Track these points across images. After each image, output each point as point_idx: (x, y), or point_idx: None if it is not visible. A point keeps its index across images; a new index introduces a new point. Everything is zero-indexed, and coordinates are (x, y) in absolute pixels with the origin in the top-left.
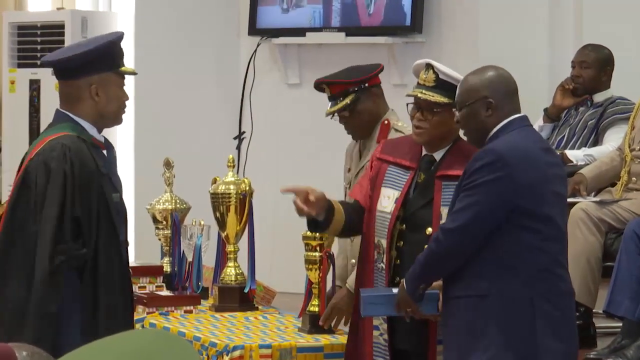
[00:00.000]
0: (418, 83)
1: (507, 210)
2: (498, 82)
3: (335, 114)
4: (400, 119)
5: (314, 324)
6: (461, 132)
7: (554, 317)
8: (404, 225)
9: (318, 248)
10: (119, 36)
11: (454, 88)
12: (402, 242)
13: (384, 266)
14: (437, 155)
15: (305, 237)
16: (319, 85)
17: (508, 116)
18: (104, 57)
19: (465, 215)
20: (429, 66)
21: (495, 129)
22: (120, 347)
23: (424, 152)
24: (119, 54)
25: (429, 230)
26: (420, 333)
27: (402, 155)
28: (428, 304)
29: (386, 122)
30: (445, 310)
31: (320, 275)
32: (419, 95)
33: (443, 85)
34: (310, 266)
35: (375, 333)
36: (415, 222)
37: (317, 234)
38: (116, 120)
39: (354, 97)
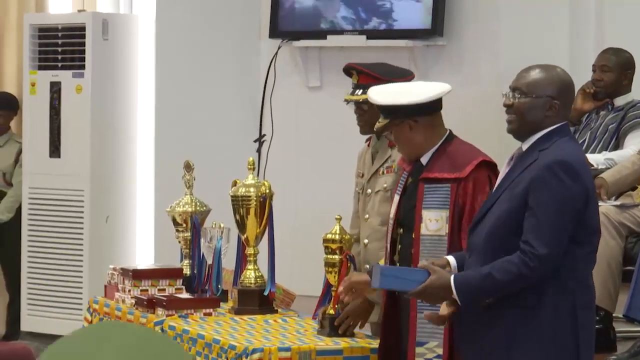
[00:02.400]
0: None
1: (575, 225)
2: (567, 87)
3: (352, 103)
4: None
5: (332, 327)
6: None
7: (591, 328)
8: (401, 229)
9: (338, 251)
10: None
11: (388, 109)
12: (400, 246)
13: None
14: (425, 159)
15: (325, 240)
16: (349, 70)
17: (561, 120)
18: None
19: (555, 239)
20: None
21: (546, 130)
22: (108, 338)
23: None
24: None
25: (414, 233)
26: (405, 330)
27: (407, 161)
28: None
29: None
30: (486, 321)
31: (339, 277)
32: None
33: (383, 111)
34: (330, 269)
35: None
36: (407, 225)
37: (338, 236)
38: None
39: None
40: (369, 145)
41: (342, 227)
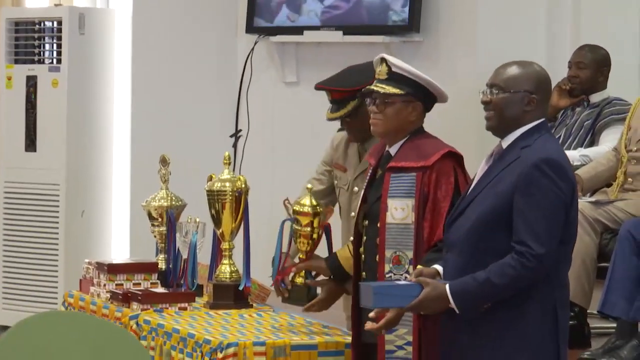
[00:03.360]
0: (374, 77)
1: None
2: (545, 82)
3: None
4: None
5: (300, 296)
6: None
7: (567, 326)
8: (366, 221)
9: (310, 224)
10: None
11: (408, 80)
12: (365, 238)
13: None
14: (393, 150)
15: (296, 212)
16: (321, 90)
17: (539, 117)
18: None
19: (550, 238)
20: (382, 60)
21: (526, 127)
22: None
23: (387, 149)
24: None
25: (379, 223)
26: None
27: (374, 155)
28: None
29: None
30: (469, 322)
31: (312, 248)
32: (373, 87)
33: (395, 78)
34: (302, 240)
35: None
36: (372, 216)
37: (309, 209)
38: None
39: (357, 102)
40: (349, 139)
41: (313, 199)
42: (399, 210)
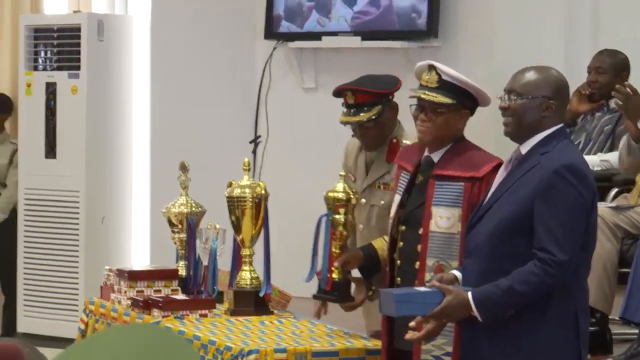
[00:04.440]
0: (420, 84)
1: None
2: (562, 87)
3: (352, 123)
4: (408, 132)
5: (342, 294)
6: (477, 127)
7: (587, 332)
8: (404, 227)
9: (343, 210)
10: None
11: (457, 89)
12: (402, 243)
13: (388, 269)
14: (436, 156)
15: (329, 198)
16: (341, 91)
17: (558, 122)
18: None
19: (572, 244)
20: (431, 67)
21: (545, 133)
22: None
23: (425, 154)
24: None
25: (421, 230)
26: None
27: (408, 159)
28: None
29: (395, 140)
30: (489, 330)
31: (345, 237)
32: (422, 96)
33: (446, 86)
34: (337, 229)
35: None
36: (411, 222)
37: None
38: None
39: (381, 108)
40: (361, 148)
41: (347, 185)
42: (444, 219)
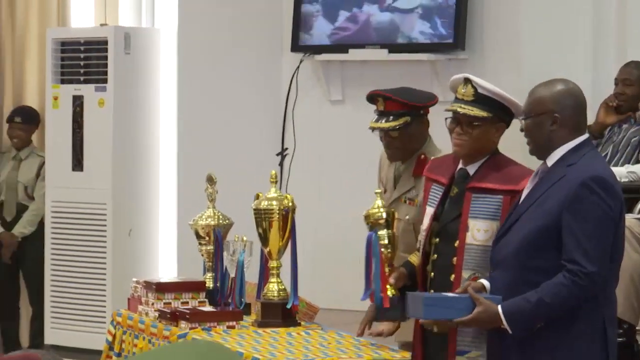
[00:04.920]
0: (456, 97)
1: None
2: (566, 97)
3: (378, 130)
4: (437, 148)
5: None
6: (507, 144)
7: (616, 344)
8: (438, 239)
9: (385, 225)
10: None
11: (493, 102)
12: (436, 256)
13: (419, 281)
14: (472, 169)
15: (368, 216)
16: (374, 97)
17: (574, 133)
18: None
19: (601, 256)
20: (467, 81)
21: (570, 145)
22: (171, 358)
23: (459, 166)
24: None
25: (457, 243)
26: (445, 341)
27: (441, 172)
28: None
29: (423, 156)
30: (517, 342)
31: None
32: (458, 109)
33: (482, 100)
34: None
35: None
36: (447, 235)
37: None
38: None
39: (408, 119)
40: (387, 157)
41: (383, 202)
42: (482, 231)
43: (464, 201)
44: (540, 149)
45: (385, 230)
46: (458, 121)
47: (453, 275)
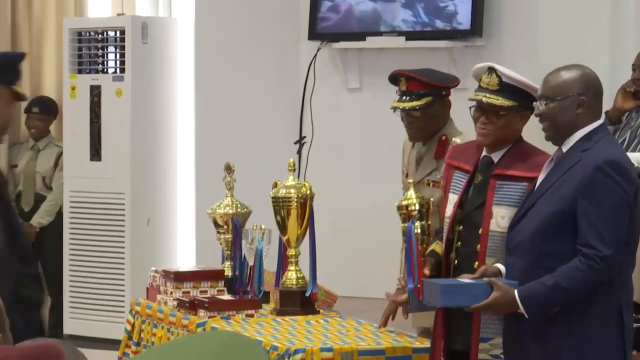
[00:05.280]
0: (480, 86)
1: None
2: (590, 81)
3: (399, 110)
4: (458, 130)
5: None
6: (525, 132)
7: (632, 328)
8: (461, 227)
9: (418, 216)
10: (20, 55)
11: (518, 91)
12: (459, 243)
13: (443, 269)
14: (496, 156)
15: (401, 207)
16: (396, 77)
17: (595, 118)
18: (2, 68)
19: (617, 239)
20: (491, 70)
21: (585, 130)
22: (192, 348)
23: (483, 154)
24: (16, 72)
25: (481, 230)
26: (468, 332)
27: (464, 159)
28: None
29: (444, 137)
30: (532, 327)
31: (426, 244)
32: (483, 99)
33: (507, 89)
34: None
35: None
36: (471, 222)
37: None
38: None
39: (431, 99)
40: (413, 144)
41: (418, 194)
42: (506, 219)
43: (489, 189)
44: (560, 134)
45: (419, 221)
46: (483, 110)
47: (477, 263)
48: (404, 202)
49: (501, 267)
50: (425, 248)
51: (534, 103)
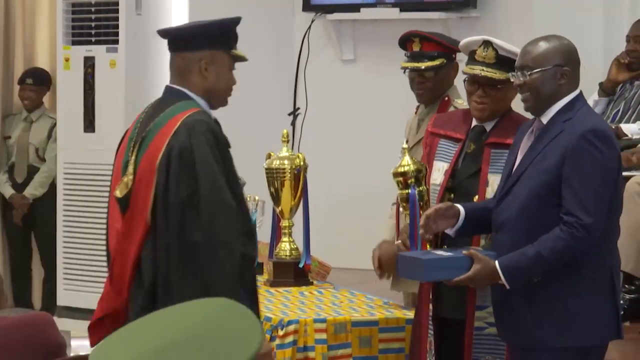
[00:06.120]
0: (475, 60)
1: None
2: (572, 52)
3: (412, 69)
4: (460, 96)
5: None
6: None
7: (620, 292)
8: (452, 195)
9: (415, 182)
10: (236, 19)
11: (513, 62)
12: None
13: (430, 237)
14: (488, 126)
15: (396, 174)
16: (410, 37)
17: (574, 88)
18: (218, 35)
19: (598, 208)
20: (487, 43)
21: (565, 101)
22: (184, 316)
23: (473, 123)
24: (233, 36)
25: (476, 198)
26: (463, 301)
27: (452, 128)
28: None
29: (446, 98)
30: (519, 296)
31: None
32: (481, 73)
33: (503, 61)
34: (406, 204)
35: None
36: (463, 191)
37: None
38: (222, 101)
39: (444, 61)
40: (416, 113)
41: (414, 159)
42: None
43: (483, 157)
44: (541, 105)
45: (419, 186)
46: (479, 84)
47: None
48: (400, 169)
49: (460, 207)
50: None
51: (511, 73)
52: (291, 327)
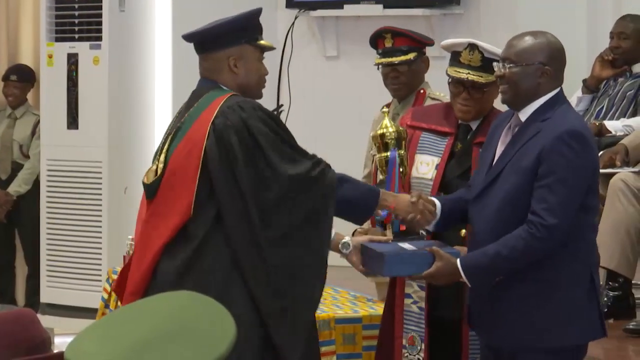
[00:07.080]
0: (460, 62)
1: (586, 193)
2: (556, 51)
3: (386, 65)
4: (435, 90)
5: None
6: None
7: (599, 291)
8: (442, 193)
9: (396, 144)
10: (257, 10)
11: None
12: None
13: (424, 233)
14: (473, 124)
15: (376, 137)
16: (382, 34)
17: (555, 87)
18: (241, 29)
19: (565, 210)
20: (473, 46)
21: (544, 99)
22: (153, 310)
23: (459, 121)
24: (257, 27)
25: None
26: (457, 300)
27: (436, 121)
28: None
29: (422, 91)
30: (497, 298)
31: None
32: (468, 77)
33: (488, 64)
34: (384, 168)
35: (407, 301)
36: (451, 190)
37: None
38: (257, 93)
39: (416, 55)
40: (396, 99)
41: (392, 122)
42: None
43: (472, 158)
44: (519, 99)
45: (400, 149)
46: (464, 86)
47: (464, 231)
48: (379, 132)
49: (436, 200)
50: (403, 178)
51: (494, 64)
52: None
